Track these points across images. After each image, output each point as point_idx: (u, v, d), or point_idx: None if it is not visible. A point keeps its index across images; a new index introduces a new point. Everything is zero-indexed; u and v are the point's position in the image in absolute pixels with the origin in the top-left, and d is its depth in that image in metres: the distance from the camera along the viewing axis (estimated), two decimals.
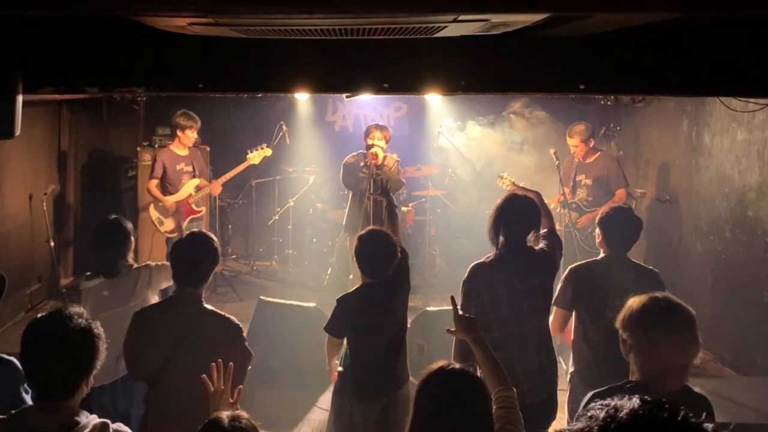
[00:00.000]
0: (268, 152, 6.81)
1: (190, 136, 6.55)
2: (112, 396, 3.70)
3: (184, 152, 6.61)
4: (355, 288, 3.80)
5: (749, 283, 5.47)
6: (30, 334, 2.21)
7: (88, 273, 3.95)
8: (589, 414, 1.13)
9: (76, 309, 2.27)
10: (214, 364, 2.42)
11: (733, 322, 5.67)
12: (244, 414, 2.02)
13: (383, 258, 3.67)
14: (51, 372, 2.16)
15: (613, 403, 1.12)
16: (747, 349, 5.50)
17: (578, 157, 6.45)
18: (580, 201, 6.43)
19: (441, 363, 2.32)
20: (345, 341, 3.79)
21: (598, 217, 3.95)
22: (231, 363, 2.48)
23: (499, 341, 3.33)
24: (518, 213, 3.62)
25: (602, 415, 1.11)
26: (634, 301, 2.52)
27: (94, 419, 2.19)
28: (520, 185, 6.17)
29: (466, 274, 3.59)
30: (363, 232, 3.77)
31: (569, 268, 3.87)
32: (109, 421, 2.21)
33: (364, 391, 3.71)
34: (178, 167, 6.56)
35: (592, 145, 6.44)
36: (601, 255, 3.88)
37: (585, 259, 4.06)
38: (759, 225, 5.38)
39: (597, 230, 3.92)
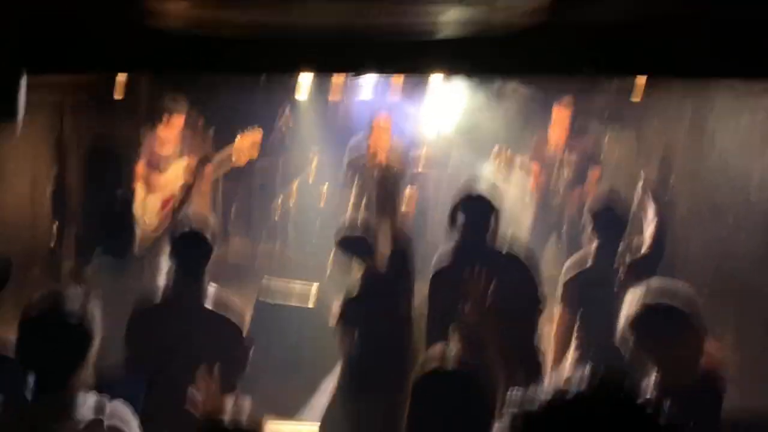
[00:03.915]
0: (257, 136, 6.73)
1: (177, 121, 6.54)
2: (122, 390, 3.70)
3: (171, 135, 6.60)
4: (356, 280, 3.82)
5: (752, 268, 5.46)
6: (23, 325, 2.23)
7: (95, 260, 3.95)
8: (545, 389, 1.21)
9: (72, 289, 2.29)
10: (198, 374, 2.40)
11: (736, 310, 5.65)
12: (243, 412, 2.03)
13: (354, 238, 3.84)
14: (49, 364, 2.19)
15: (564, 379, 1.20)
16: (750, 337, 5.49)
17: (561, 131, 6.29)
18: (566, 180, 6.32)
19: (434, 365, 2.30)
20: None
21: (587, 213, 3.90)
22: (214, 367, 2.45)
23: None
24: (474, 207, 3.61)
25: (552, 389, 1.20)
26: (629, 310, 2.49)
27: (91, 398, 2.21)
28: (517, 163, 6.16)
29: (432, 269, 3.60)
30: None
31: (564, 271, 3.83)
32: (106, 399, 2.23)
33: (371, 384, 3.72)
34: (165, 150, 6.57)
35: (575, 121, 6.33)
36: (592, 251, 3.82)
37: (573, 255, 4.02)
38: (762, 210, 5.36)
39: (587, 226, 3.89)
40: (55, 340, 2.17)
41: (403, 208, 7.23)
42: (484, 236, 3.57)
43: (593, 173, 6.32)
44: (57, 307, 2.21)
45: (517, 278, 3.56)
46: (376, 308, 3.68)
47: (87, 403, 2.18)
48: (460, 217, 3.59)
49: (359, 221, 3.90)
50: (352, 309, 3.73)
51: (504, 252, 3.66)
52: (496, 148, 6.25)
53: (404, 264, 3.85)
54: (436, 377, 2.26)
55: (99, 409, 2.18)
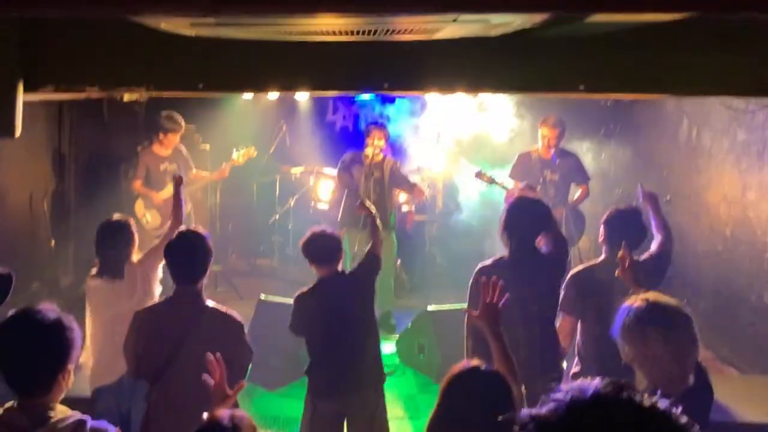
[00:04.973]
0: (253, 153, 6.74)
1: (173, 139, 6.53)
2: (116, 394, 3.69)
3: (166, 152, 6.59)
4: (312, 285, 3.85)
5: (749, 282, 5.47)
6: (1, 334, 2.21)
7: (93, 272, 3.94)
8: (557, 396, 1.17)
9: (47, 304, 2.27)
10: (212, 359, 2.39)
11: (734, 322, 5.66)
12: (243, 413, 2.02)
13: (325, 249, 3.81)
14: (23, 369, 2.16)
15: (577, 386, 1.17)
16: (747, 349, 5.50)
17: (544, 150, 6.29)
18: (550, 199, 6.33)
19: (475, 362, 2.29)
20: None
21: (604, 217, 3.93)
22: (219, 355, 2.43)
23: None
24: (526, 217, 3.63)
25: (568, 397, 1.16)
26: (625, 310, 2.49)
27: (73, 416, 2.18)
28: (498, 181, 6.17)
29: (472, 277, 3.59)
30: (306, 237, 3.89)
31: (571, 273, 3.85)
32: (87, 419, 2.19)
33: (325, 390, 3.76)
34: (162, 167, 6.57)
35: (562, 140, 6.34)
36: (602, 257, 3.85)
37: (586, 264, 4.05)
38: (759, 225, 5.38)
39: (601, 229, 3.91)
40: (30, 345, 2.16)
41: (401, 225, 7.32)
42: (534, 239, 3.61)
43: (581, 189, 6.36)
44: (31, 313, 2.21)
45: (549, 270, 3.67)
46: (327, 314, 3.68)
47: (68, 418, 2.16)
48: (515, 220, 3.61)
49: (327, 227, 3.96)
50: (301, 312, 3.77)
51: (546, 252, 3.72)
52: (477, 170, 6.25)
53: (367, 275, 3.93)
54: (476, 374, 2.24)
55: (80, 423, 2.16)
